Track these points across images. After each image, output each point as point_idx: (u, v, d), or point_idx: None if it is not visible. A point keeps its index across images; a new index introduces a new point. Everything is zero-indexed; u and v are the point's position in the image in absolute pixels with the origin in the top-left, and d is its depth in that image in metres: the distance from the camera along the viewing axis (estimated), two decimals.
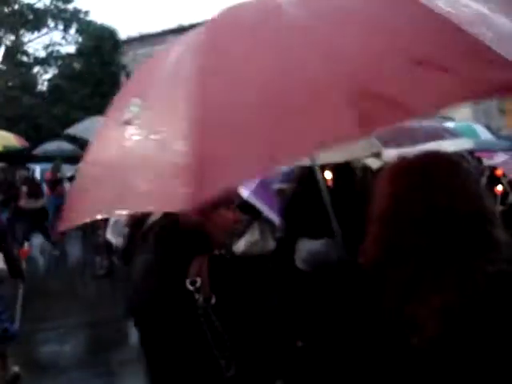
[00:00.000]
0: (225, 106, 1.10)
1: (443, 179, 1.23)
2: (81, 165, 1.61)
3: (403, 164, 1.32)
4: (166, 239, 1.57)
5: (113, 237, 6.39)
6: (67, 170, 13.30)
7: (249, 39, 1.22)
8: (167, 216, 1.61)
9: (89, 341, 5.70)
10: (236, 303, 1.45)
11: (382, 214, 1.28)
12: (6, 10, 22.25)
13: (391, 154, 4.29)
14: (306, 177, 4.49)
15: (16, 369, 4.47)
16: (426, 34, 1.12)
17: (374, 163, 4.47)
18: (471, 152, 7.00)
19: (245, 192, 3.69)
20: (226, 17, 1.39)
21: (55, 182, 12.48)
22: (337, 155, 3.30)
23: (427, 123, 4.74)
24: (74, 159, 15.91)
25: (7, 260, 4.15)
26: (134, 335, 5.71)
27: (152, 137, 1.20)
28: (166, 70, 1.34)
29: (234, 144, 1.05)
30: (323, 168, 4.64)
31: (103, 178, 1.29)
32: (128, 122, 1.28)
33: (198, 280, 1.43)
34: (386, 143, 3.65)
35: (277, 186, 5.11)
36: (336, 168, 3.91)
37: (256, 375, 1.49)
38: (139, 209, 1.38)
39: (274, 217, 4.76)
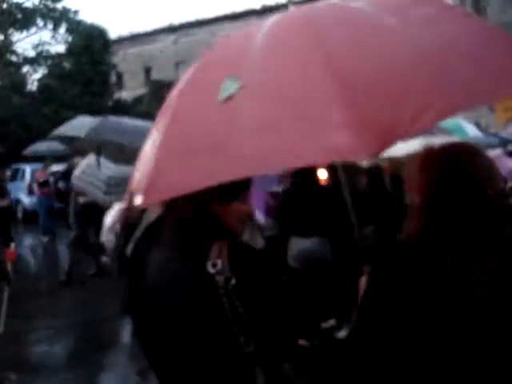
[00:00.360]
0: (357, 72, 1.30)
1: (469, 164, 1.46)
2: (163, 142, 1.63)
3: (432, 153, 1.52)
4: (187, 228, 1.64)
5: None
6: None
7: (350, 32, 1.43)
8: (171, 211, 1.69)
9: (80, 341, 5.67)
10: (254, 284, 1.55)
11: (420, 197, 1.48)
12: None
13: None
14: (300, 175, 4.53)
15: None
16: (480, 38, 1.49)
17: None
18: None
19: None
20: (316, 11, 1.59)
21: (46, 183, 12.42)
22: None
23: None
24: (64, 159, 15.85)
25: None
26: (125, 335, 5.72)
27: (279, 104, 1.35)
28: (256, 50, 1.49)
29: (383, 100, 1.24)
30: (314, 168, 4.68)
31: (215, 149, 1.39)
32: (230, 98, 1.41)
33: (219, 262, 1.51)
34: None
35: (271, 188, 5.14)
36: (330, 167, 3.94)
37: (273, 352, 1.61)
38: (284, 165, 1.62)
39: (260, 216, 4.78)
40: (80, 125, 6.77)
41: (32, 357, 5.16)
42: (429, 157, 1.52)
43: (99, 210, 6.24)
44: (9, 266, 4.58)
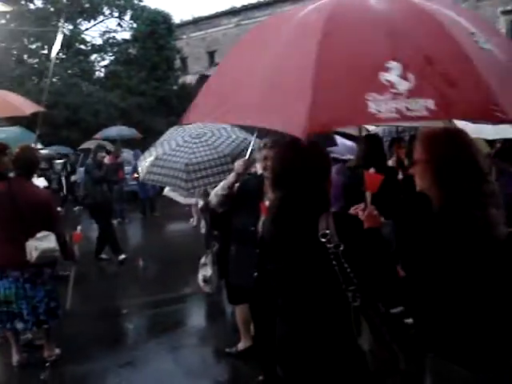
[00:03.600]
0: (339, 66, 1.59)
1: (465, 142, 1.88)
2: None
3: (433, 133, 1.94)
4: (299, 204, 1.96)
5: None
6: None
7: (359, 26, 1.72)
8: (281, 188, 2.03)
9: (148, 321, 5.75)
10: (359, 249, 1.85)
11: (430, 166, 1.89)
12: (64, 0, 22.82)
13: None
14: None
15: (57, 351, 4.51)
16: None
17: None
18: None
19: None
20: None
21: (116, 167, 12.63)
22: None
23: None
24: (133, 143, 16.23)
25: (59, 243, 4.16)
26: (196, 315, 5.76)
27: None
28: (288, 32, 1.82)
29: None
30: None
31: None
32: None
33: (328, 232, 1.82)
34: None
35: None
36: None
37: (376, 305, 1.94)
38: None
39: None
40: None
41: (101, 334, 5.18)
42: (432, 136, 1.92)
43: None
44: (75, 248, 4.72)
